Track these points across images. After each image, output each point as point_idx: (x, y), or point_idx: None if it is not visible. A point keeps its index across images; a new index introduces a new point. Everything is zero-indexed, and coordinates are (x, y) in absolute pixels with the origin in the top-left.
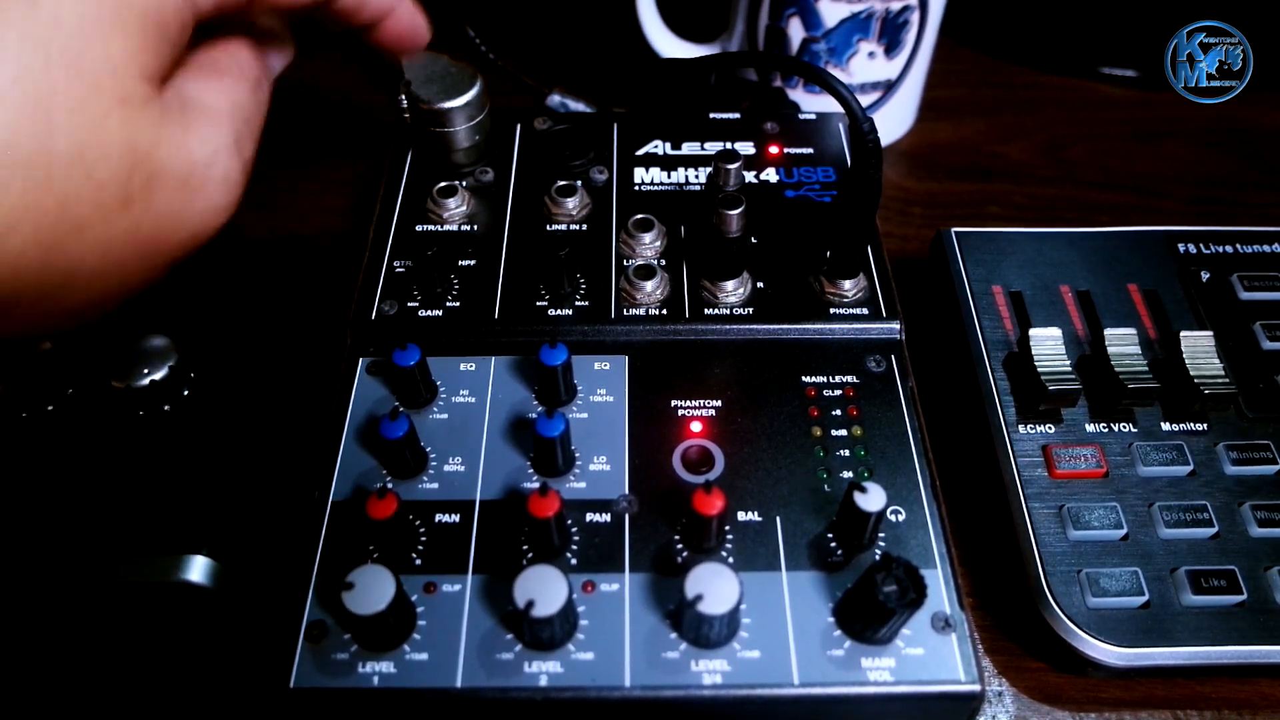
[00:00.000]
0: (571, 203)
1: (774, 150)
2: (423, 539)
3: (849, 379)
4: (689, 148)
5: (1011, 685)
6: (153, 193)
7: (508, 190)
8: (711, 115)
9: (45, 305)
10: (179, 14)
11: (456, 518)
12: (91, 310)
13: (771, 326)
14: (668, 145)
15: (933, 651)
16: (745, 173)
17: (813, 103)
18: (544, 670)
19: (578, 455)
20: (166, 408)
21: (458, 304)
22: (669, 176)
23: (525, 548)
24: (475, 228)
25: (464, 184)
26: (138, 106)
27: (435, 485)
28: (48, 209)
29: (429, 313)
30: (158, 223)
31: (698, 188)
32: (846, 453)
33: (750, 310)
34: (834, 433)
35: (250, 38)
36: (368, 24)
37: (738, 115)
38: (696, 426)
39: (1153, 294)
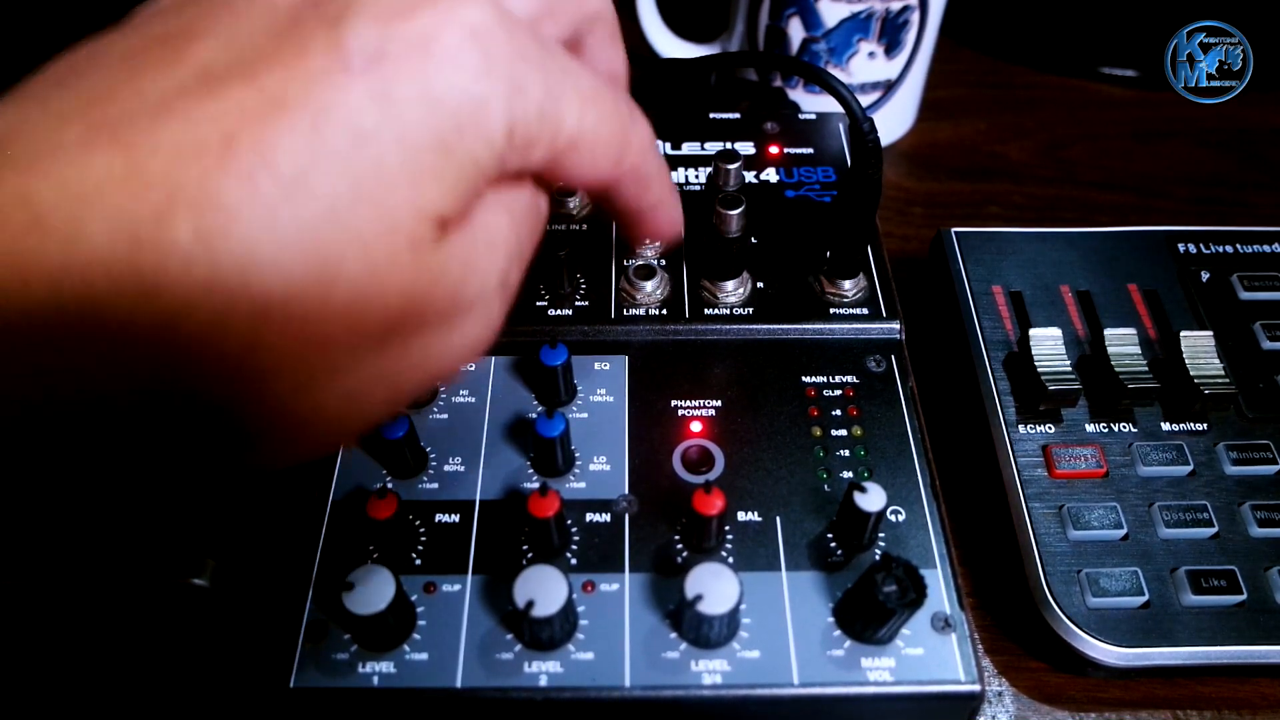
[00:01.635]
0: (572, 203)
1: (774, 150)
2: (423, 539)
3: (849, 379)
4: (689, 148)
5: (1011, 685)
6: (410, 336)
7: None
8: (711, 115)
9: (287, 440)
10: (490, 167)
11: (456, 518)
12: (328, 446)
13: (771, 326)
14: (668, 145)
15: (933, 651)
16: (745, 173)
17: (813, 103)
18: (544, 670)
19: (578, 455)
20: None
21: None
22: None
23: (525, 548)
24: None
25: None
26: (426, 251)
27: (435, 485)
28: (310, 355)
29: None
30: (407, 362)
31: (698, 188)
32: (846, 453)
33: (750, 310)
34: (834, 433)
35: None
36: (622, 219)
37: (738, 115)
38: (696, 426)
39: (1153, 294)
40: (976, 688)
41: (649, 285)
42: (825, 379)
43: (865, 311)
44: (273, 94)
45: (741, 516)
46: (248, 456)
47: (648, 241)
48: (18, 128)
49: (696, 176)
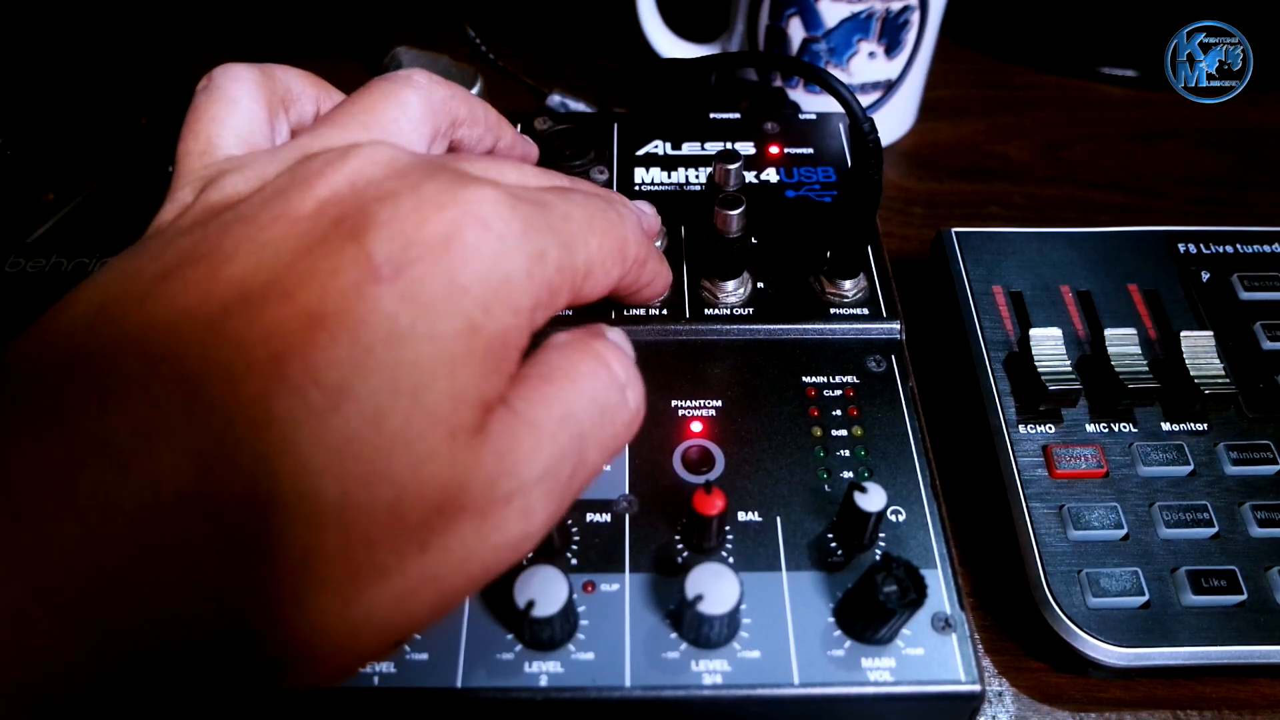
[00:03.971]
0: None
1: (774, 150)
2: None
3: (849, 379)
4: (689, 148)
5: (1011, 685)
6: (448, 532)
7: None
8: (711, 115)
9: (334, 658)
10: (521, 334)
11: None
12: (380, 654)
13: (771, 326)
14: (668, 145)
15: (933, 651)
16: (745, 173)
17: (813, 103)
18: (544, 670)
19: None
20: None
21: None
22: (669, 176)
23: None
24: None
25: None
26: (464, 440)
27: None
28: (358, 556)
29: None
30: (449, 562)
31: (698, 188)
32: (846, 453)
33: (750, 310)
34: (834, 433)
35: (588, 336)
36: (626, 297)
37: (738, 115)
38: (697, 426)
39: (1153, 294)
40: (977, 688)
41: None
42: (825, 379)
43: (865, 311)
44: (312, 310)
45: (742, 516)
46: (304, 675)
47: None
48: (83, 361)
49: (696, 176)
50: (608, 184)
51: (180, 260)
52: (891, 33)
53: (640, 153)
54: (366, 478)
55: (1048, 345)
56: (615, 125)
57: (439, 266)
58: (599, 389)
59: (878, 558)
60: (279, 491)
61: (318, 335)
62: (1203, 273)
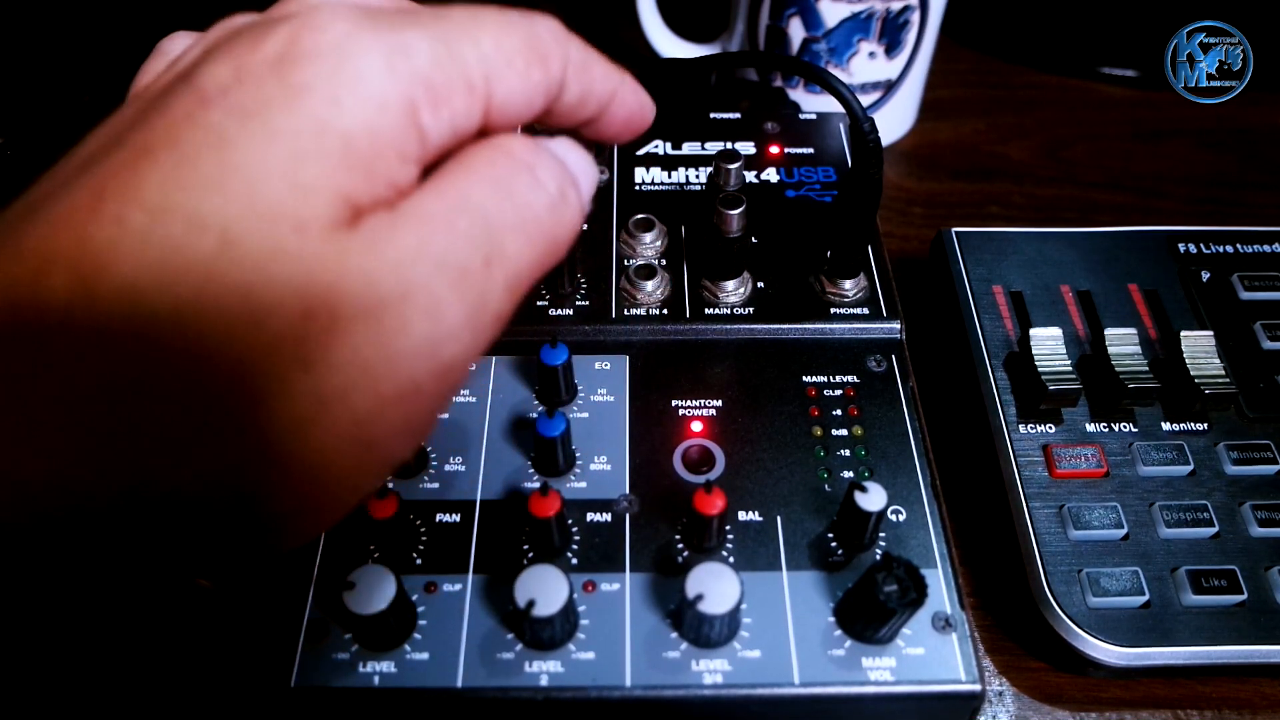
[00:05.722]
0: None
1: (774, 150)
2: (423, 539)
3: (849, 379)
4: (689, 148)
5: (1012, 685)
6: (332, 344)
7: None
8: (712, 115)
9: (236, 527)
10: (397, 134)
11: (457, 517)
12: (303, 532)
13: (772, 326)
14: (668, 145)
15: (933, 651)
16: (746, 173)
17: (813, 103)
18: (544, 670)
19: (578, 455)
20: None
21: None
22: (669, 176)
23: (526, 547)
24: None
25: None
26: (318, 234)
27: (436, 485)
28: (219, 381)
29: None
30: (346, 376)
31: (698, 188)
32: (847, 452)
33: (750, 310)
34: (834, 432)
35: (505, 136)
36: (591, 119)
37: (738, 115)
38: (697, 426)
39: (1153, 294)
40: (977, 687)
41: (649, 285)
42: (826, 379)
43: (866, 311)
44: (139, 147)
45: (742, 516)
46: (230, 541)
47: (630, 131)
48: None
49: (697, 176)
50: (608, 184)
51: (57, 169)
52: (892, 33)
53: (640, 153)
54: (203, 287)
55: (1048, 345)
56: None
57: (273, 75)
58: (500, 173)
59: (878, 557)
60: (102, 315)
61: (139, 163)
62: (1203, 273)
